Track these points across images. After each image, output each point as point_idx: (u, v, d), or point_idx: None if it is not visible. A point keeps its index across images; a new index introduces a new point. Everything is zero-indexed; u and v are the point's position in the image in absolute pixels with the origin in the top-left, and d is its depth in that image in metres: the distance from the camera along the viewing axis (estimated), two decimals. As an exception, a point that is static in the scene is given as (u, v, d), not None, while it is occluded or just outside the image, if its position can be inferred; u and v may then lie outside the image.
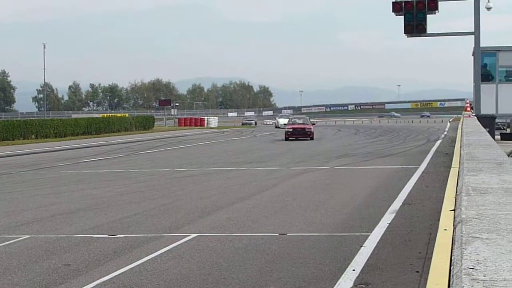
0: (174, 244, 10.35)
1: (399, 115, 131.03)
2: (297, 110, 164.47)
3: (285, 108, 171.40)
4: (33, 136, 55.67)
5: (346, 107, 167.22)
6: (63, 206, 15.13)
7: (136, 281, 8.28)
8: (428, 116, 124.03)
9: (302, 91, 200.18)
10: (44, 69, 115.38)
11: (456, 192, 11.82)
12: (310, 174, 21.38)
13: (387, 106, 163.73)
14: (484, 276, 3.93)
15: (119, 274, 8.61)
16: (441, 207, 10.85)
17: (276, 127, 77.53)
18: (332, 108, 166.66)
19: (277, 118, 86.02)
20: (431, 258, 8.35)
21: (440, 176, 18.90)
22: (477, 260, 4.30)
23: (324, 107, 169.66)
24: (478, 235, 5.17)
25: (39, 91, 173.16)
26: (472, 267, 4.11)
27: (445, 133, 51.41)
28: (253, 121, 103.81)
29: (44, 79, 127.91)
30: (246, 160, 28.03)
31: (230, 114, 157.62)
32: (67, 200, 16.34)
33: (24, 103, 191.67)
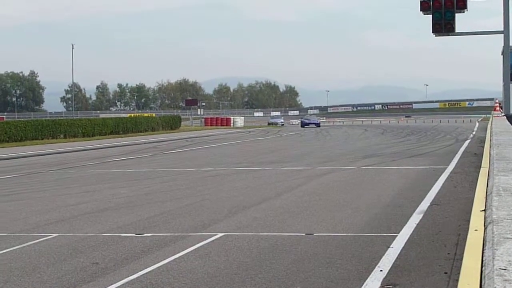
0: (201, 244, 10.37)
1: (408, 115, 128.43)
2: (323, 110, 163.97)
3: (311, 108, 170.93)
4: (61, 136, 56.17)
5: (373, 107, 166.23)
6: (91, 205, 15.23)
7: (163, 280, 8.30)
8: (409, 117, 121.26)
9: (328, 91, 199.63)
10: (72, 69, 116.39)
11: (487, 193, 11.69)
12: (336, 174, 21.29)
13: (415, 106, 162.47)
14: (516, 277, 3.87)
15: (146, 273, 8.64)
16: (471, 208, 10.75)
17: (301, 126, 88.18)
18: (358, 108, 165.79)
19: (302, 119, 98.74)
20: (460, 259, 8.27)
21: (469, 177, 18.71)
22: (509, 261, 4.24)
23: (350, 107, 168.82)
24: (510, 235, 5.10)
25: (67, 91, 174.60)
26: (504, 267, 4.05)
27: (474, 133, 50.89)
28: (280, 121, 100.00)
29: (73, 79, 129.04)
30: (272, 160, 28.00)
31: (256, 114, 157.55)
32: (95, 199, 16.45)
33: (52, 103, 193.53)
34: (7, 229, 12.24)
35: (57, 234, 11.57)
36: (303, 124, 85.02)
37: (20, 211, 14.61)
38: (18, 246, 10.58)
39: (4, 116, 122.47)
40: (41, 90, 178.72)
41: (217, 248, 10.09)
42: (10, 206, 15.55)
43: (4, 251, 10.28)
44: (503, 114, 36.76)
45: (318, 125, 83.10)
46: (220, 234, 11.09)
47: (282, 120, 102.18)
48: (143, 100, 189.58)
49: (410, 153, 30.32)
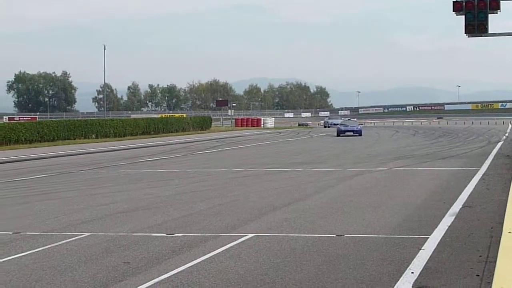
0: (231, 244, 10.39)
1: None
2: (354, 111, 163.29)
3: (341, 109, 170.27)
4: (93, 136, 56.66)
5: (404, 108, 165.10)
6: (122, 205, 15.35)
7: (194, 280, 8.33)
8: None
9: (359, 92, 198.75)
10: (104, 70, 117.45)
11: (519, 195, 11.50)
12: (367, 175, 21.19)
13: (446, 107, 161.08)
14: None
15: (177, 273, 8.68)
16: (504, 210, 10.62)
17: (324, 126, 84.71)
18: (389, 109, 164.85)
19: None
20: (492, 261, 8.18)
21: (502, 178, 18.50)
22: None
23: (381, 108, 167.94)
24: (544, 239, 5.03)
25: (99, 92, 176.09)
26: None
27: (507, 135, 50.29)
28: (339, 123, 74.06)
29: (104, 80, 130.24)
30: (303, 161, 27.96)
31: (286, 115, 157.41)
32: (126, 198, 16.57)
33: (84, 104, 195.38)
34: (40, 228, 12.39)
35: (88, 234, 11.68)
36: (338, 133, 57.03)
37: (52, 210, 14.78)
38: (51, 245, 10.70)
39: (37, 116, 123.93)
40: (73, 91, 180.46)
41: (247, 248, 10.11)
42: (42, 205, 15.73)
43: (37, 250, 10.41)
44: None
45: (359, 132, 56.02)
46: (250, 235, 11.10)
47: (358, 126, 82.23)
48: (174, 101, 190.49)
49: (442, 154, 30.07)
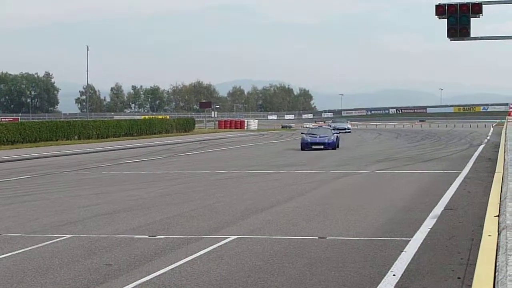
0: (214, 246, 10.38)
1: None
2: (337, 113, 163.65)
3: (325, 111, 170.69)
4: (76, 137, 56.43)
5: (387, 111, 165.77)
6: (105, 207, 15.29)
7: (176, 282, 8.32)
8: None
9: (342, 94, 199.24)
10: (87, 70, 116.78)
11: (501, 198, 11.62)
12: (350, 178, 21.25)
13: (429, 110, 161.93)
14: (530, 283, 3.85)
15: (159, 275, 8.67)
16: (484, 213, 10.71)
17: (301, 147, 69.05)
18: (373, 112, 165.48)
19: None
20: (473, 264, 8.24)
21: (483, 182, 18.63)
22: (523, 267, 4.22)
23: (365, 111, 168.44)
24: (523, 241, 5.08)
25: (81, 93, 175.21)
26: (517, 274, 4.04)
27: (488, 138, 50.64)
28: (346, 126, 71.88)
29: (87, 81, 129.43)
30: (286, 163, 27.99)
31: (270, 117, 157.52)
32: (109, 200, 16.51)
33: (67, 104, 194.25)
34: (21, 230, 12.31)
35: (70, 235, 11.62)
36: (302, 146, 38.47)
37: (34, 211, 14.69)
38: (32, 247, 10.64)
39: (19, 117, 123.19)
40: (55, 92, 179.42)
41: (230, 251, 10.11)
42: (24, 206, 15.64)
43: (18, 251, 10.34)
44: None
45: (332, 145, 38.41)
46: (233, 237, 11.10)
47: (349, 126, 72.70)
48: (157, 102, 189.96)
49: (424, 157, 30.23)
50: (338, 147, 38.82)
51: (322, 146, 37.81)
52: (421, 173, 22.33)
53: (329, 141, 38.01)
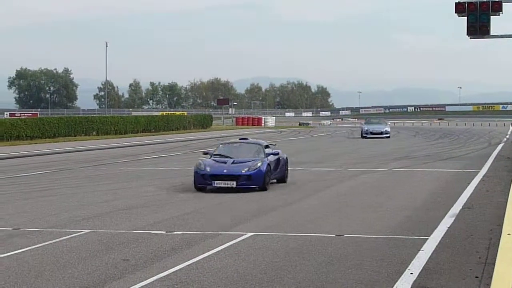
0: (231, 242, 10.39)
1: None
2: (355, 111, 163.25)
3: (342, 109, 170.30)
4: (94, 133, 56.64)
5: (405, 109, 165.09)
6: (122, 202, 15.35)
7: (193, 277, 8.34)
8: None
9: (360, 92, 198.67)
10: (106, 67, 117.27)
11: (519, 197, 11.51)
12: (368, 175, 21.18)
13: (448, 109, 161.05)
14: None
15: (176, 270, 8.69)
16: (503, 212, 10.64)
17: (362, 136, 52.96)
18: (391, 110, 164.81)
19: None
20: (491, 263, 8.19)
21: (501, 181, 18.50)
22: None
23: (382, 108, 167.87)
24: (543, 241, 5.04)
25: (100, 89, 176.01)
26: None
27: (507, 136, 50.26)
28: (385, 129, 53.31)
29: (106, 77, 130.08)
30: (303, 161, 27.95)
31: (287, 114, 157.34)
32: (126, 196, 16.58)
33: (86, 100, 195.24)
34: (40, 224, 12.40)
35: (88, 230, 11.68)
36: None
37: (52, 206, 14.78)
38: (51, 241, 10.71)
39: (38, 113, 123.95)
40: (74, 87, 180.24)
41: (246, 247, 10.12)
42: (43, 201, 15.74)
43: (37, 246, 10.42)
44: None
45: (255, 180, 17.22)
46: (249, 234, 11.11)
47: (388, 129, 52.99)
48: (175, 99, 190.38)
49: (442, 156, 30.07)
50: (272, 184, 18.49)
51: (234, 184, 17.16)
52: (440, 172, 22.21)
53: (247, 174, 17.14)
